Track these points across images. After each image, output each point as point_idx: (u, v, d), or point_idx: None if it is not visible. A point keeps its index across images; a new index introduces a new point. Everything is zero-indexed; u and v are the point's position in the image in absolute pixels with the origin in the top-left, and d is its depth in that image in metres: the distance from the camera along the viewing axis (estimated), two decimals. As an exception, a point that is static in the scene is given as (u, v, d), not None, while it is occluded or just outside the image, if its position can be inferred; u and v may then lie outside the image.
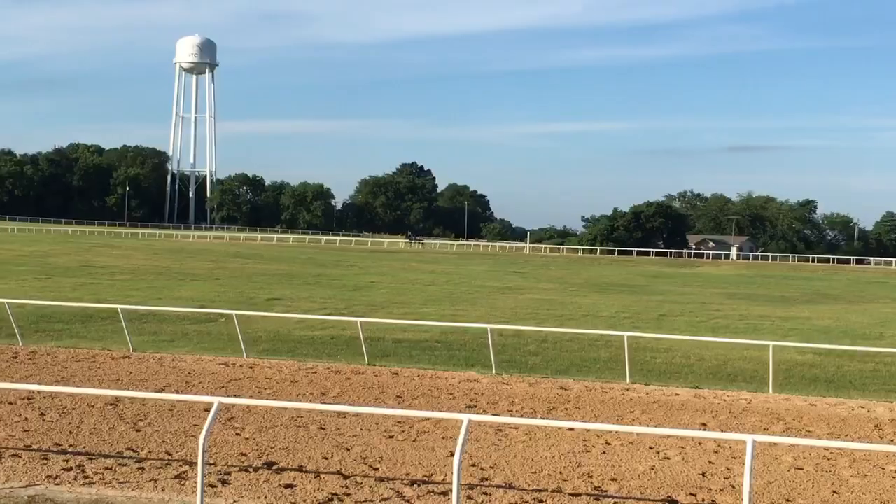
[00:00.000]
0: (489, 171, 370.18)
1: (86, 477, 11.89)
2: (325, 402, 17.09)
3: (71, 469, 12.21)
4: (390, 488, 11.85)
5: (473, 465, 13.00)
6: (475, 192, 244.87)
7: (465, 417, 10.92)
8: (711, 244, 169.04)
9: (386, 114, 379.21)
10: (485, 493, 11.75)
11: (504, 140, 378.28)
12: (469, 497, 11.52)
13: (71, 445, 13.47)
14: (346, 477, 12.28)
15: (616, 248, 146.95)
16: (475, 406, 17.61)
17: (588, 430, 15.22)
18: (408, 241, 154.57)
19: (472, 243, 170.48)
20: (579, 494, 11.88)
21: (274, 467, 12.65)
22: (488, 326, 23.67)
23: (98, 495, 11.13)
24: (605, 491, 12.09)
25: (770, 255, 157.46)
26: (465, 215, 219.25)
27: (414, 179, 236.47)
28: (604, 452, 14.17)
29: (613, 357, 24.44)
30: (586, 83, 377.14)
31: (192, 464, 12.31)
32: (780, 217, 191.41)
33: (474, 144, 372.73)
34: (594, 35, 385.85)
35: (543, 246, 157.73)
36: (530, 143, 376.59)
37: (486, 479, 12.40)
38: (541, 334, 28.32)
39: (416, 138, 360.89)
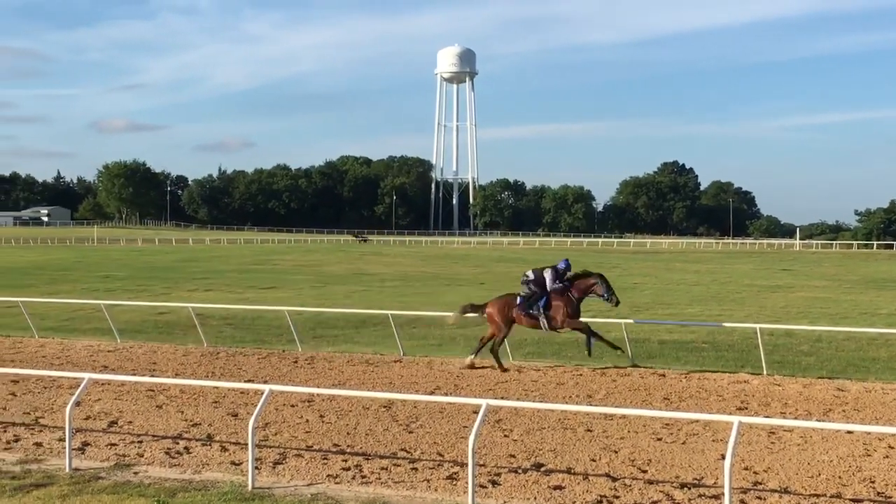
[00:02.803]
0: (754, 167, 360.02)
1: (363, 476, 12.37)
2: (591, 404, 17.06)
3: (349, 469, 12.74)
4: (660, 491, 11.70)
5: (746, 469, 12.67)
6: (740, 188, 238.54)
7: (735, 419, 10.68)
8: None
9: (645, 112, 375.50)
10: (758, 498, 11.42)
11: (769, 134, 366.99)
12: (742, 501, 11.23)
13: (349, 446, 14.05)
14: (614, 479, 12.23)
15: (894, 243, 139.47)
16: (746, 408, 17.14)
17: (869, 434, 14.52)
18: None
19: (738, 241, 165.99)
20: (861, 500, 11.36)
21: (542, 469, 12.75)
22: (757, 326, 22.94)
23: (375, 494, 11.56)
24: (890, 497, 11.50)
25: None
26: (729, 213, 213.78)
27: (676, 178, 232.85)
28: (887, 457, 13.48)
29: (895, 357, 23.19)
30: (855, 70, 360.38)
31: (463, 465, 12.58)
32: None
33: (738, 140, 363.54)
34: (864, 19, 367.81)
35: (814, 242, 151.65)
36: (797, 136, 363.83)
37: (760, 483, 12.05)
38: (814, 333, 27.20)
39: (676, 136, 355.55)
